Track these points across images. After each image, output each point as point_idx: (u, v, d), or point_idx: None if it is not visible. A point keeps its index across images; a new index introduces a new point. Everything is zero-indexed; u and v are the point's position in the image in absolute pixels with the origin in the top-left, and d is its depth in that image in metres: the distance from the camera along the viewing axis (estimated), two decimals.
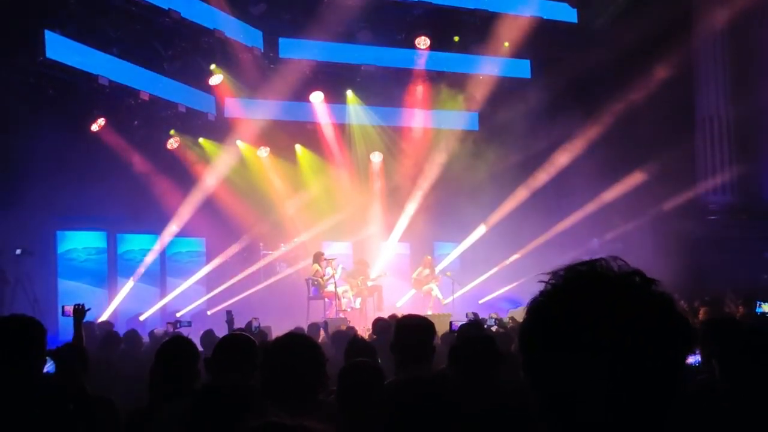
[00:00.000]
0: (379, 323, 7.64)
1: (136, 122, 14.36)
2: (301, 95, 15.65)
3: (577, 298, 1.10)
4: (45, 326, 3.13)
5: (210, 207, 14.68)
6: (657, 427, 1.06)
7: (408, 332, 3.91)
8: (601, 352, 1.05)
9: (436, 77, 16.89)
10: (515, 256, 16.04)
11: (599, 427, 1.06)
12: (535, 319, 1.14)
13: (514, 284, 16.09)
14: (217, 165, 15.16)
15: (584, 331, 1.06)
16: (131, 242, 14.86)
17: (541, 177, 16.02)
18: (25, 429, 2.53)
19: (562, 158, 15.88)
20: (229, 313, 10.18)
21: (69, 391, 2.90)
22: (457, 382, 3.44)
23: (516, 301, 14.74)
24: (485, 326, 8.11)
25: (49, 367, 3.97)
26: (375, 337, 7.31)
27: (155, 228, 14.61)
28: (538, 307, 1.15)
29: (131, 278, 14.35)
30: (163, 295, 14.84)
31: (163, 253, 15.01)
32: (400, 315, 5.82)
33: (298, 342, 3.00)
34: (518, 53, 16.50)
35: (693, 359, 3.85)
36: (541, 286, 1.16)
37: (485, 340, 3.72)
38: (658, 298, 1.09)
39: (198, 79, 15.02)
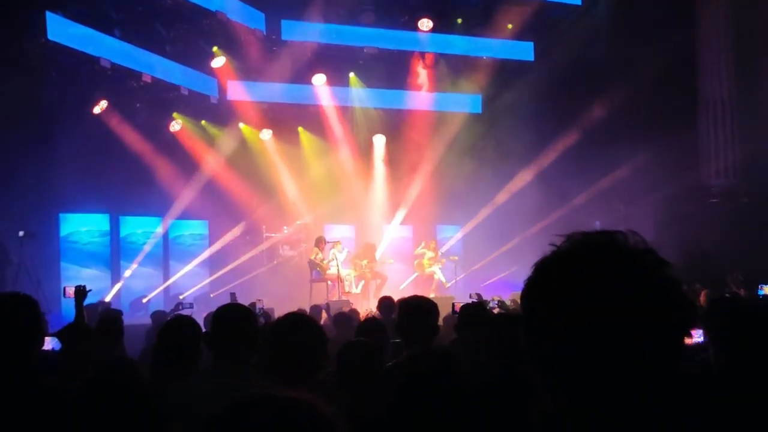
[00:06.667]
0: (384, 302, 7.63)
1: (138, 105, 14.35)
2: (303, 78, 15.62)
3: (581, 268, 1.07)
4: (44, 306, 3.13)
5: (213, 189, 14.70)
6: (654, 410, 1.02)
7: (411, 312, 3.95)
8: (595, 330, 1.01)
9: (438, 60, 16.84)
10: (518, 239, 16.03)
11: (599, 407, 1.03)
12: (539, 281, 1.10)
13: (517, 267, 16.11)
14: (220, 147, 15.16)
15: (581, 305, 1.04)
16: (134, 225, 14.87)
17: (544, 160, 15.97)
18: (24, 408, 2.54)
19: (564, 141, 15.83)
20: (232, 294, 10.23)
21: (72, 370, 2.91)
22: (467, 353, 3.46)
23: (519, 284, 14.72)
24: (488, 308, 8.11)
25: (54, 344, 4.00)
26: (380, 315, 7.31)
27: (158, 210, 14.63)
28: (543, 269, 1.12)
29: (134, 261, 14.40)
30: (166, 277, 14.90)
31: (166, 236, 15.06)
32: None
33: (300, 322, 3.02)
34: (521, 36, 16.44)
35: (698, 338, 3.85)
36: (551, 248, 1.12)
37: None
38: (665, 281, 1.05)
39: (200, 61, 14.99)
